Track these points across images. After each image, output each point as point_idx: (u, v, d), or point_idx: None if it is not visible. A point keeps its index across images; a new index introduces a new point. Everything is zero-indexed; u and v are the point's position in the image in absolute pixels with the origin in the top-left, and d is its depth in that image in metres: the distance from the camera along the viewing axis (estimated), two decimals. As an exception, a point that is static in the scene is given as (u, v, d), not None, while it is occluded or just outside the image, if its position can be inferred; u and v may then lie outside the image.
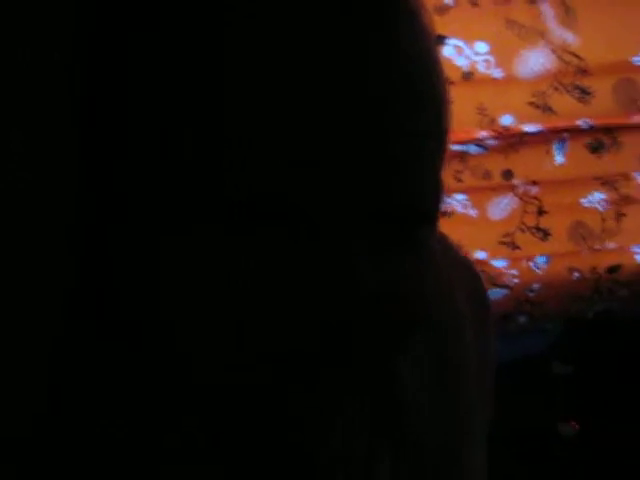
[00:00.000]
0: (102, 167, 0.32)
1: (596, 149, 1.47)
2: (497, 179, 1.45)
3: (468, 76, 1.38)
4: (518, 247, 1.49)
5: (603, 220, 1.52)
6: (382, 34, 0.32)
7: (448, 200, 1.39)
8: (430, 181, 0.34)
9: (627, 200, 1.52)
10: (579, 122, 1.45)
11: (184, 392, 0.33)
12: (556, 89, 1.42)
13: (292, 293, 0.31)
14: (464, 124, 1.37)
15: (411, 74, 0.32)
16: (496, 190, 1.47)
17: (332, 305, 0.31)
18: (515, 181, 1.47)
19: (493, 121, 1.40)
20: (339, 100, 0.31)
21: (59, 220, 0.31)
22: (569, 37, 1.42)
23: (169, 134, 0.30)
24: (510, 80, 1.39)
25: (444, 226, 0.40)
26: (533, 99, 1.41)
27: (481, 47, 1.37)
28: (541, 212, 1.49)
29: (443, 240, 0.46)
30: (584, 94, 1.42)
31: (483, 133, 1.41)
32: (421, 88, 0.33)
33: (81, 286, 0.32)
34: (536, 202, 1.49)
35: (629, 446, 1.43)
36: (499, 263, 1.50)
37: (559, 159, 1.47)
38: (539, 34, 1.41)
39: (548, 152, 1.46)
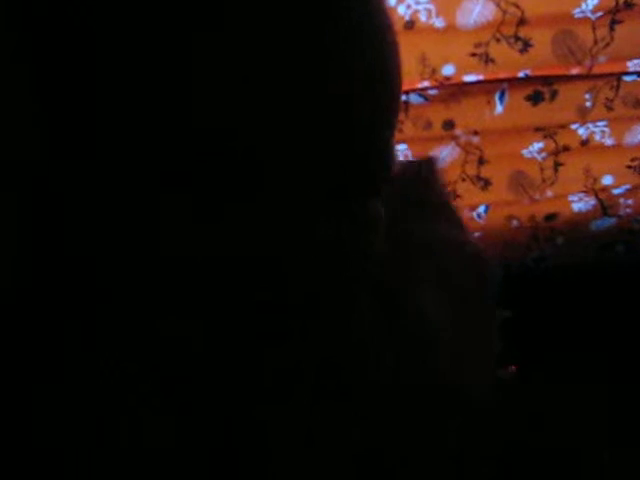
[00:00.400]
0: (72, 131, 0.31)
1: (535, 100, 1.50)
2: (438, 129, 1.47)
3: (410, 25, 1.38)
4: (459, 196, 1.52)
5: (542, 170, 1.56)
6: (337, 21, 0.33)
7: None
8: (382, 155, 0.35)
9: (565, 150, 1.55)
10: (519, 73, 1.46)
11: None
12: (497, 40, 1.43)
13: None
14: (405, 74, 1.37)
15: (366, 51, 0.34)
16: (437, 140, 1.48)
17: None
18: (456, 131, 1.48)
19: (434, 71, 1.41)
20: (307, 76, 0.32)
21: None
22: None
23: (137, 99, 0.30)
24: (452, 30, 1.39)
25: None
26: (474, 49, 1.42)
27: (422, -4, 1.37)
28: (482, 162, 1.52)
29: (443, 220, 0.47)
30: (524, 45, 1.44)
31: (425, 83, 1.42)
32: (378, 68, 0.34)
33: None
34: (477, 152, 1.51)
35: (564, 387, 1.49)
36: (441, 212, 1.52)
37: (499, 109, 1.49)
38: (480, -16, 1.41)
39: (489, 102, 1.48)
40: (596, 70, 1.49)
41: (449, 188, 1.51)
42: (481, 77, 1.45)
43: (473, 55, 1.42)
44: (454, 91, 1.45)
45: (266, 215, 0.32)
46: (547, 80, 1.49)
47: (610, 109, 1.54)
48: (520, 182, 1.55)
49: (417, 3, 1.37)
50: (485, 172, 1.53)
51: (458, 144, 1.50)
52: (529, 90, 1.49)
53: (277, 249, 0.33)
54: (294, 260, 0.33)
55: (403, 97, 1.41)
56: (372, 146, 0.35)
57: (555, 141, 1.54)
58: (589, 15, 1.44)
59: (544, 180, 1.56)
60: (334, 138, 0.33)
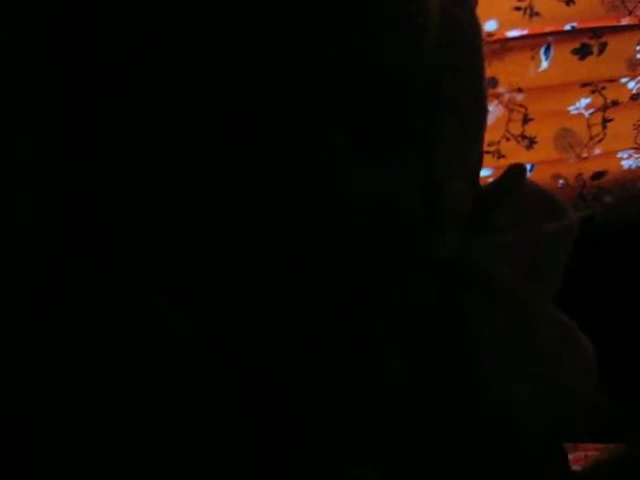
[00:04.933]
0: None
1: (582, 54, 1.45)
2: (481, 87, 1.43)
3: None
4: (503, 156, 1.48)
5: (589, 126, 1.51)
6: None
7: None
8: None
9: (614, 105, 1.50)
10: (565, 26, 1.41)
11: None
12: (542, -9, 1.38)
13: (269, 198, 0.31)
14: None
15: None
16: (480, 99, 1.45)
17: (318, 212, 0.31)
18: (499, 89, 1.44)
19: (476, 27, 1.37)
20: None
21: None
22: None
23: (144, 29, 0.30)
24: (494, -17, 1.35)
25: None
26: (518, 3, 1.37)
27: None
28: (526, 120, 1.48)
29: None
30: (571, -4, 1.38)
31: (466, 40, 1.38)
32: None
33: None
34: (521, 110, 1.47)
35: (610, 345, 1.47)
36: (485, 172, 1.49)
37: (544, 65, 1.44)
38: None
39: (533, 58, 1.43)
40: (648, 20, 1.43)
41: (492, 148, 1.48)
42: (525, 32, 1.40)
43: (517, 9, 1.38)
44: (497, 48, 1.40)
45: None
46: (595, 32, 1.44)
47: (662, 61, 1.47)
48: (566, 140, 1.51)
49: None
50: (530, 130, 1.49)
51: (501, 102, 1.46)
52: (576, 44, 1.44)
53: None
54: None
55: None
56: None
57: (603, 96, 1.49)
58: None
59: (592, 137, 1.51)
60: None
